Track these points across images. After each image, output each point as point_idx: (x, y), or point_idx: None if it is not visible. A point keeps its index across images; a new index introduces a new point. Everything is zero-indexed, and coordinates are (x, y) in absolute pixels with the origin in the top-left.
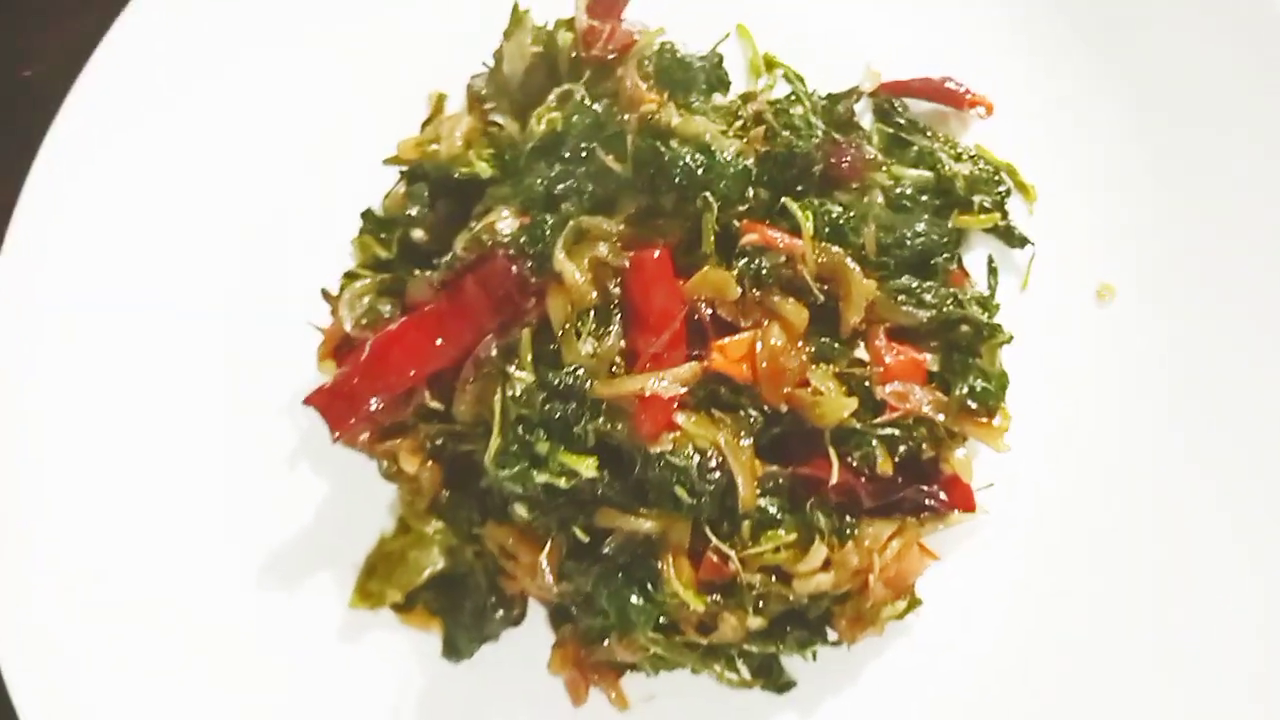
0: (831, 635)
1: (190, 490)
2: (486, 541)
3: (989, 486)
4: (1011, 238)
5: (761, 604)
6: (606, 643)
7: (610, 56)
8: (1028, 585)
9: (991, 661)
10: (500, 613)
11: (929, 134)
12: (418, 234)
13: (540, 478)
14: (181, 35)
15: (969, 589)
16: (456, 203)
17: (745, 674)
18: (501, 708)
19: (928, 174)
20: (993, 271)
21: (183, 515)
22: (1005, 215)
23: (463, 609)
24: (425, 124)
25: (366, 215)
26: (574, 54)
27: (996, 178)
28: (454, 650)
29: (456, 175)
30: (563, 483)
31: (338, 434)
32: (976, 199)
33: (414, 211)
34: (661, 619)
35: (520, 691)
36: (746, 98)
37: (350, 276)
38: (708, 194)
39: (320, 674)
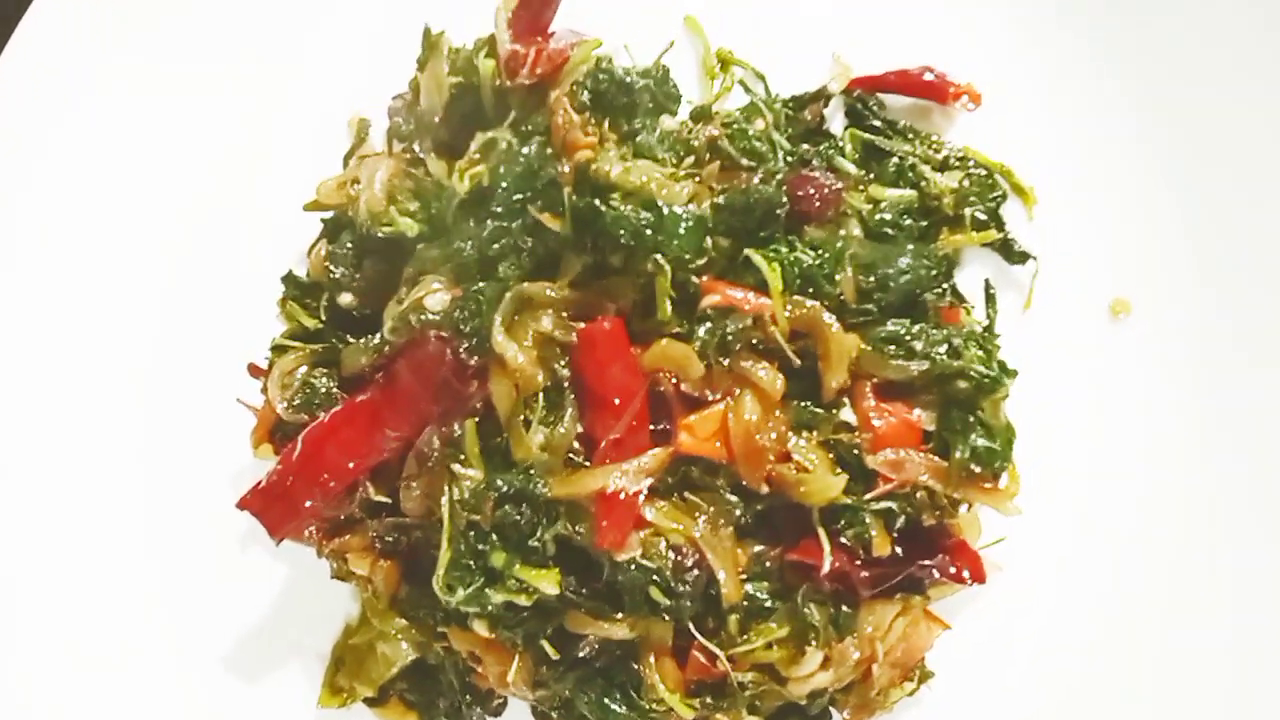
0: (836, 718)
1: (136, 583)
2: (453, 644)
3: (1000, 541)
4: (1011, 253)
5: (758, 702)
6: None
7: (539, 80)
8: (1048, 644)
9: None
10: (477, 710)
11: (910, 135)
12: (346, 299)
13: (498, 597)
14: (71, 59)
15: (983, 651)
16: (384, 260)
17: None
18: None
19: (910, 193)
20: (990, 299)
21: (129, 608)
22: (1002, 227)
23: (437, 707)
24: (348, 156)
25: (288, 280)
26: (498, 82)
27: (990, 182)
28: None
29: (381, 232)
30: (524, 600)
31: (280, 535)
32: (968, 211)
33: (339, 274)
34: None
35: None
36: (698, 116)
37: (278, 350)
38: (659, 256)
39: None
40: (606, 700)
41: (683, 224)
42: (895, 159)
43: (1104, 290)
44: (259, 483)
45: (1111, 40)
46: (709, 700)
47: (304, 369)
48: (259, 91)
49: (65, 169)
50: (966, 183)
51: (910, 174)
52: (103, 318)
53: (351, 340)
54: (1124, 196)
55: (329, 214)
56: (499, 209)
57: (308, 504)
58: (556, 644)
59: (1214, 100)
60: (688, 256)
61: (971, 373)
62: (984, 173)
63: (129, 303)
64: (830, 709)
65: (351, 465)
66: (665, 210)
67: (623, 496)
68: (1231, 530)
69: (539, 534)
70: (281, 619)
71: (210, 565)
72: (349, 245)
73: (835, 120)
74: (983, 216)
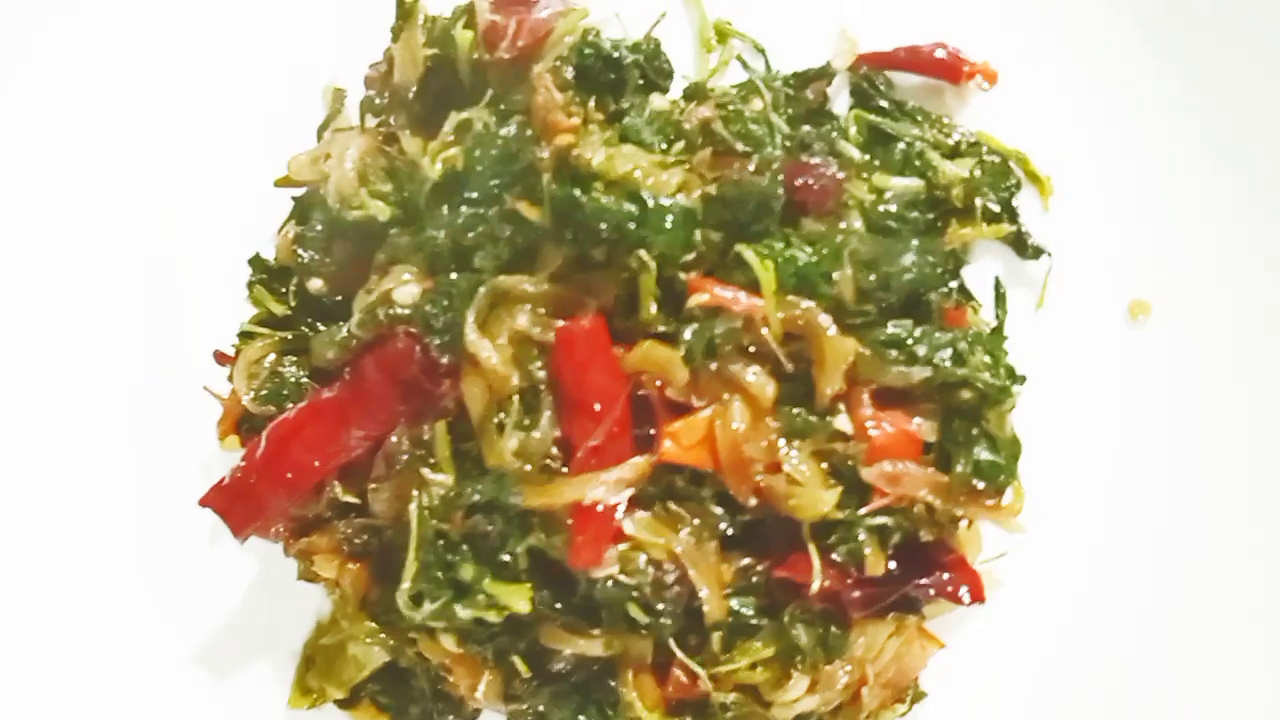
0: None
1: (101, 575)
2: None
3: (1001, 556)
4: (1024, 247)
5: None
6: None
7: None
8: (1047, 665)
9: None
10: (450, 718)
11: (919, 118)
12: (316, 284)
13: (466, 613)
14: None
15: (979, 671)
16: (355, 244)
17: None
18: None
19: (917, 183)
20: (1000, 299)
21: (93, 602)
22: (1015, 220)
23: (409, 714)
24: (321, 129)
25: (255, 263)
26: (476, 56)
27: (1003, 169)
28: None
29: (351, 216)
30: (493, 616)
31: (244, 534)
32: (979, 202)
33: (308, 258)
34: None
35: None
36: (691, 94)
37: (245, 337)
38: (642, 252)
39: None
40: (582, 717)
41: (669, 217)
42: (902, 144)
43: (1122, 290)
44: (222, 479)
45: (1139, 20)
46: None
47: (271, 358)
48: (230, 59)
49: (30, 144)
50: (979, 171)
51: (918, 161)
52: (66, 299)
53: (322, 328)
54: (1147, 189)
55: (300, 191)
56: (474, 195)
57: (273, 503)
58: (530, 658)
59: (1249, 89)
60: (674, 253)
61: (977, 382)
62: (997, 160)
63: (94, 283)
64: None
65: (318, 464)
66: (650, 202)
67: (600, 509)
68: (1251, 551)
69: (511, 546)
70: (251, 615)
71: (178, 558)
72: (319, 227)
73: (839, 99)
74: (995, 208)
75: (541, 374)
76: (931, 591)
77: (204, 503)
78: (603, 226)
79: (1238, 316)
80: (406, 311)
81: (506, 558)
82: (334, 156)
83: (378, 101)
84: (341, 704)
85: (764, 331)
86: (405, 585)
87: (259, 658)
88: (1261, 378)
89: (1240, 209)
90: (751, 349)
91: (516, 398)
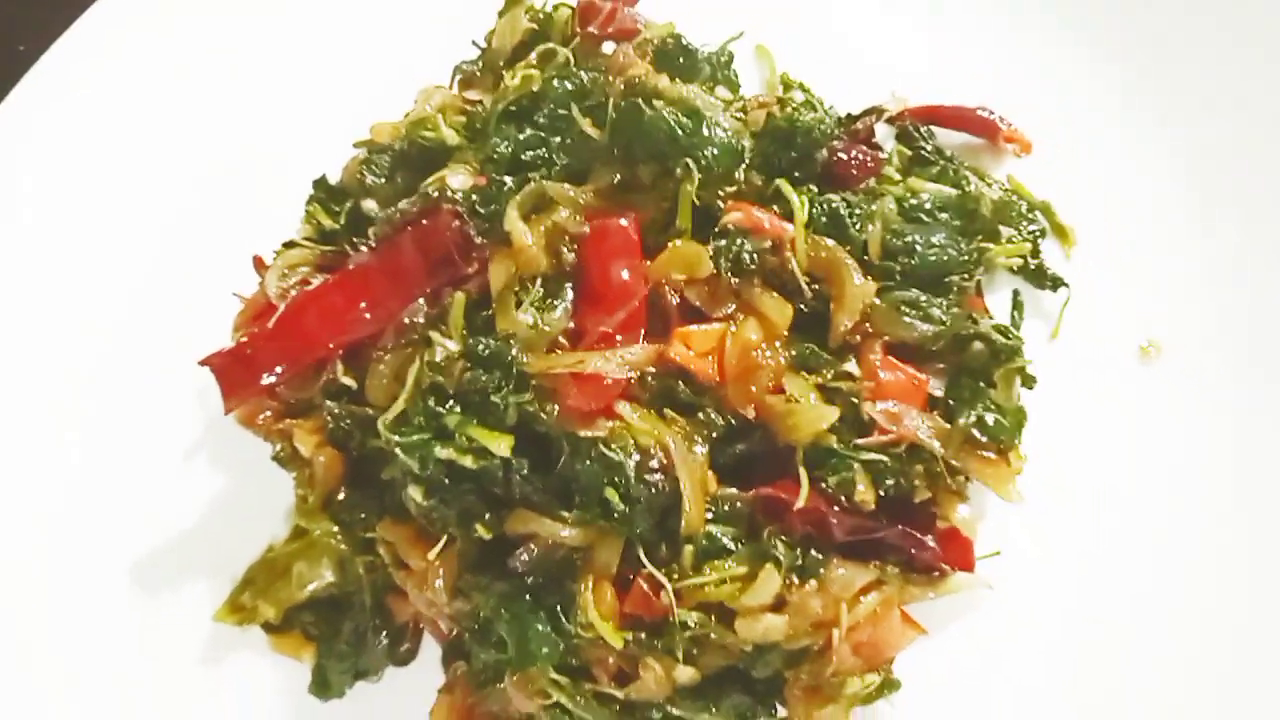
0: (780, 711)
1: (62, 468)
2: (379, 545)
3: (995, 555)
4: (1043, 278)
5: (695, 651)
6: (501, 685)
7: (608, 40)
8: (1033, 681)
9: None
10: (384, 641)
11: (957, 163)
12: (369, 204)
13: (443, 452)
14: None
15: (959, 677)
16: (418, 173)
17: None
18: None
19: (951, 191)
20: (1017, 306)
21: (49, 494)
22: (1037, 252)
23: (340, 632)
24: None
25: (318, 183)
26: (569, 31)
27: (1030, 215)
28: (323, 685)
29: (422, 140)
30: (469, 462)
31: (232, 403)
32: (1005, 231)
33: (370, 180)
34: (572, 660)
35: None
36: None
37: (289, 245)
38: (689, 161)
39: (168, 696)
40: (530, 619)
41: (721, 133)
42: (939, 166)
43: (1135, 328)
44: (226, 346)
45: (1165, 101)
46: (643, 637)
47: (307, 269)
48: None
49: (95, 90)
50: (1008, 200)
51: (951, 175)
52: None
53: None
54: (1162, 241)
55: None
56: (542, 120)
57: (276, 371)
58: (491, 554)
59: (1267, 159)
60: (719, 170)
61: (988, 337)
62: (1025, 206)
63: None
64: (777, 705)
65: (327, 337)
66: (706, 117)
67: (600, 381)
68: (1251, 588)
69: (503, 394)
70: (205, 533)
71: (147, 470)
72: (387, 156)
73: (885, 145)
74: (1019, 241)
75: (570, 259)
76: (915, 550)
77: (204, 362)
78: (659, 132)
79: (1247, 359)
80: (456, 195)
81: (496, 401)
82: (417, 102)
83: (467, 69)
84: (270, 628)
85: (789, 255)
86: (388, 418)
87: (198, 579)
88: (1267, 419)
89: (1247, 263)
90: (774, 277)
91: (540, 283)
